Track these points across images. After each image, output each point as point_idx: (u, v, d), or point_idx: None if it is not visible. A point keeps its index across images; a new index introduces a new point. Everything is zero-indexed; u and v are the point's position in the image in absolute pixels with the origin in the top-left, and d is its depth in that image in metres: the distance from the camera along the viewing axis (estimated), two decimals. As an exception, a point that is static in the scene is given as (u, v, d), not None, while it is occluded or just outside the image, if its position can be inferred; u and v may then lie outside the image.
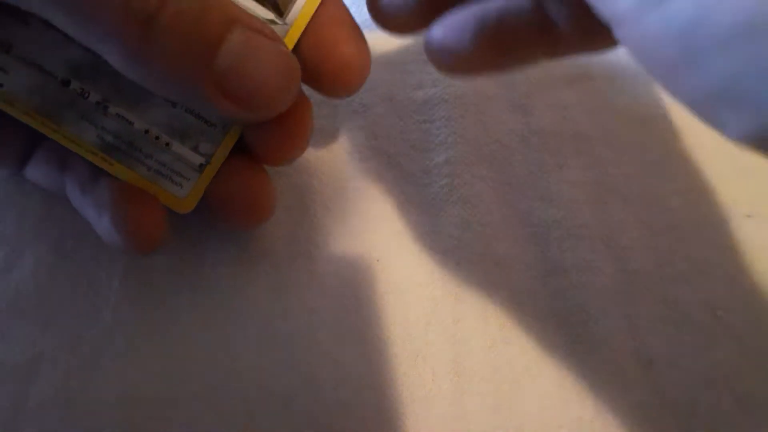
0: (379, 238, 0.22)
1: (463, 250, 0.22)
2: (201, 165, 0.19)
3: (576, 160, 0.23)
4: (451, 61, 0.18)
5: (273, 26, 0.18)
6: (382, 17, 0.19)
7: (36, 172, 0.20)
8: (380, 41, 0.24)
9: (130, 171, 0.19)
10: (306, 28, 0.18)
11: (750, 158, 0.23)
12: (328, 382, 0.19)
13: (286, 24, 0.18)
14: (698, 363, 0.20)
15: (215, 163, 0.19)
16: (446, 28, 0.18)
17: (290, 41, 0.18)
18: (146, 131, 0.18)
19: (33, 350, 0.20)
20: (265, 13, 0.18)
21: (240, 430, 0.19)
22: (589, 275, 0.21)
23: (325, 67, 0.18)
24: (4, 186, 0.22)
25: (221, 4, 0.16)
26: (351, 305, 0.21)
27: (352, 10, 0.19)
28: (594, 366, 0.20)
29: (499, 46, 0.18)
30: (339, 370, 0.20)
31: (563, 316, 0.20)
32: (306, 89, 0.19)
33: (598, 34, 0.16)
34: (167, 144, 0.18)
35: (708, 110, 0.11)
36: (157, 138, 0.18)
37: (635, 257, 0.21)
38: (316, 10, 0.18)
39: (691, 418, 0.19)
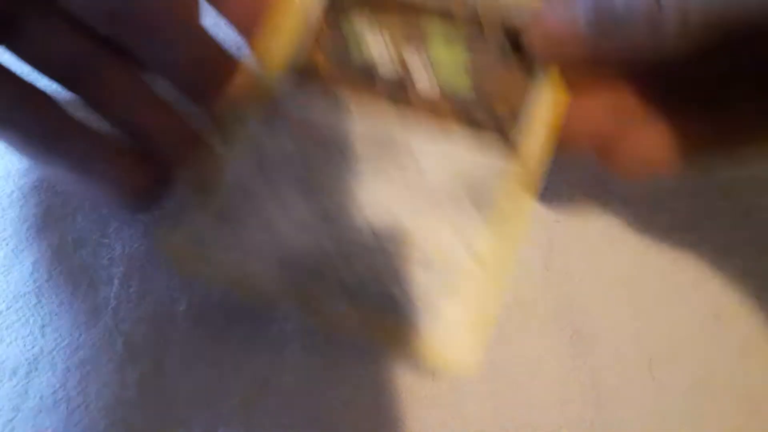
0: (379, 238, 0.22)
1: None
2: (473, 319, 0.17)
3: (576, 160, 0.23)
4: None
5: (510, 160, 0.18)
6: None
7: None
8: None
9: (397, 338, 0.17)
10: None
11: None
12: (328, 382, 0.20)
13: (523, 156, 0.18)
14: (698, 363, 0.20)
15: (488, 313, 0.17)
16: None
17: (531, 173, 0.18)
18: (405, 294, 0.17)
19: (33, 350, 0.20)
20: (499, 150, 0.18)
21: (238, 429, 0.19)
22: (590, 275, 0.21)
23: None
24: (4, 186, 0.22)
25: None
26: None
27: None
28: (594, 365, 0.20)
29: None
30: (339, 370, 0.20)
31: (563, 316, 0.20)
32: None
33: None
34: (430, 305, 0.17)
35: None
36: (417, 300, 0.17)
37: (635, 257, 0.21)
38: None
39: (692, 418, 0.19)
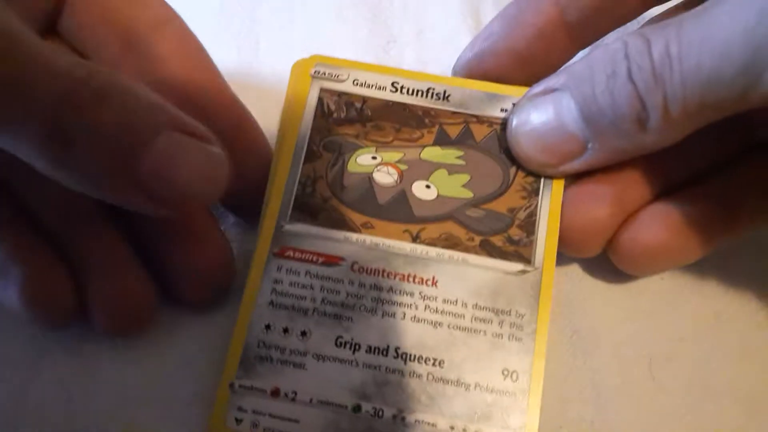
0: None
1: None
2: None
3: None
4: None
5: (525, 275, 0.18)
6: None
7: None
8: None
9: None
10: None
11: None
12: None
13: (536, 269, 0.18)
14: (698, 363, 0.20)
15: (530, 428, 0.17)
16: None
17: (546, 286, 0.18)
18: (452, 427, 0.17)
19: (33, 350, 0.20)
20: (512, 267, 0.18)
21: None
22: (590, 275, 0.21)
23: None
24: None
25: (152, 107, 0.16)
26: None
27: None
28: (594, 366, 0.20)
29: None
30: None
31: (563, 316, 0.20)
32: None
33: None
34: None
35: None
36: (464, 431, 0.17)
37: None
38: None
39: (691, 419, 0.19)
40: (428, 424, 0.17)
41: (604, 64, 0.17)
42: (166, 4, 0.21)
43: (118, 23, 0.19)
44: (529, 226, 0.19)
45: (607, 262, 0.21)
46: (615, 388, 0.19)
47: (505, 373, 0.18)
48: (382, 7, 0.27)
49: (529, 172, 0.19)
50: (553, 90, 0.18)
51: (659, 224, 0.19)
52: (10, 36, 0.15)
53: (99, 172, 0.16)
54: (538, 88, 0.19)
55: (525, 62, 0.20)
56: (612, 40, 0.17)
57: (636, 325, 0.20)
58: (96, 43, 0.20)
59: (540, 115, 0.18)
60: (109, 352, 0.20)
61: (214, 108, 0.19)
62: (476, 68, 0.20)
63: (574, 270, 0.21)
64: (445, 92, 0.20)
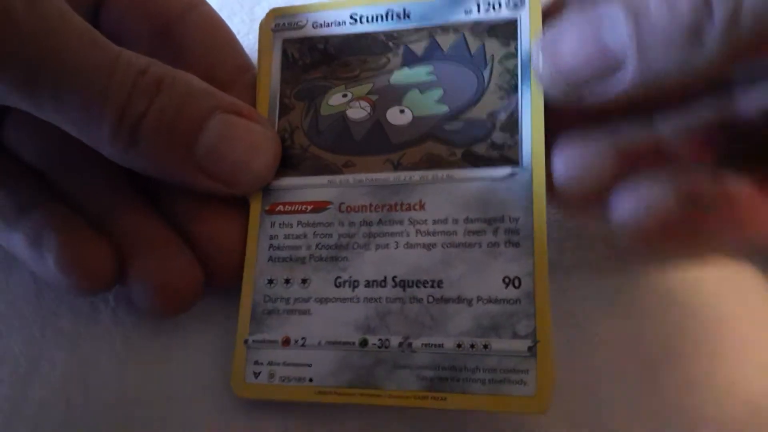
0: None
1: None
2: (530, 347, 0.17)
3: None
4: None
5: (514, 177, 0.18)
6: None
7: None
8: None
9: (466, 396, 0.17)
10: None
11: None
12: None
13: (525, 169, 0.18)
14: (701, 363, 0.19)
15: (544, 338, 0.17)
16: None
17: (539, 184, 0.17)
18: (459, 345, 0.17)
19: (33, 350, 0.20)
20: (500, 172, 0.18)
21: (238, 430, 0.19)
22: (590, 275, 0.20)
23: None
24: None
25: (203, 93, 0.18)
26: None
27: None
28: (594, 366, 0.19)
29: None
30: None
31: (564, 316, 0.20)
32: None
33: None
34: (485, 347, 0.17)
35: None
36: (472, 346, 0.17)
37: (636, 257, 0.20)
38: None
39: (694, 419, 0.18)
40: (435, 345, 0.17)
41: None
42: None
43: (147, 11, 0.20)
44: (512, 125, 0.18)
45: (607, 261, 0.20)
46: (615, 389, 0.19)
47: (506, 280, 0.17)
48: (382, 5, 0.26)
49: (505, 69, 0.18)
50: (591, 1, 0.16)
51: (664, 189, 0.16)
52: (92, 34, 0.17)
53: (162, 155, 0.17)
54: (573, 1, 0.17)
55: None
56: None
57: (636, 326, 0.19)
58: (129, 32, 0.20)
59: (574, 29, 0.16)
60: (108, 352, 0.20)
61: (236, 89, 0.20)
62: None
63: (574, 270, 0.20)
64: (405, 10, 0.19)
